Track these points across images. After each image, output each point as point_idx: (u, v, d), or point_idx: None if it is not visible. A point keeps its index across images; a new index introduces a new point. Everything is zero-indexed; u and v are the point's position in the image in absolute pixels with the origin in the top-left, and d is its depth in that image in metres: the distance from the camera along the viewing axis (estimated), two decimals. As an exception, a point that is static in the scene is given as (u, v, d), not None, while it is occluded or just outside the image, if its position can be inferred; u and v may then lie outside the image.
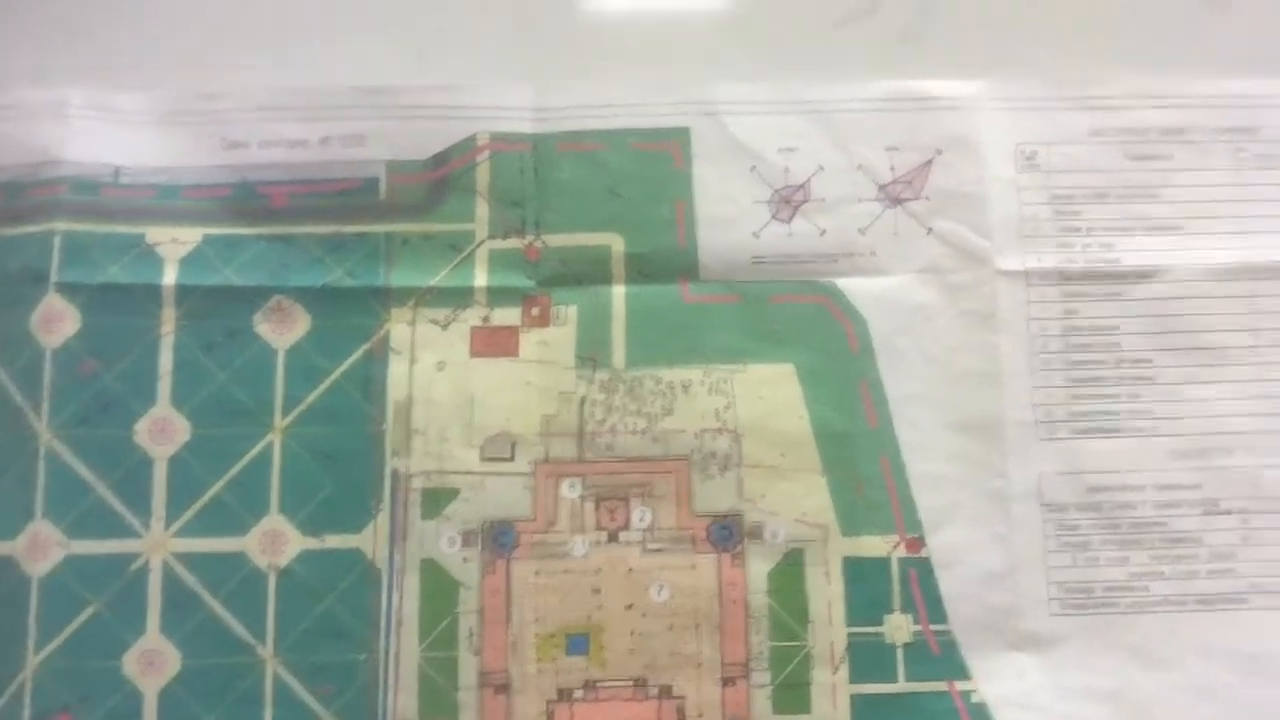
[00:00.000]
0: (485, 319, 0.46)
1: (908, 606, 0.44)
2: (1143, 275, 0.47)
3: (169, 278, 0.46)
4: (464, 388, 0.46)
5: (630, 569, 0.45)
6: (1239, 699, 0.44)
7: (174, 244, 0.46)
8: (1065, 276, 0.47)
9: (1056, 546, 0.45)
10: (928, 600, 0.44)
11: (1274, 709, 0.44)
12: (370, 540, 0.44)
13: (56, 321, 0.45)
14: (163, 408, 0.45)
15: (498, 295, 0.46)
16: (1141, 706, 0.44)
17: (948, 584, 0.44)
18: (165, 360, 0.45)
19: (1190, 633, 0.44)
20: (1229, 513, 0.45)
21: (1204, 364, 0.46)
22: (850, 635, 0.44)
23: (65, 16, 0.49)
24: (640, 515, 0.45)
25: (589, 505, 0.45)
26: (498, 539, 0.45)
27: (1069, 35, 0.49)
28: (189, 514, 0.44)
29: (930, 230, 0.47)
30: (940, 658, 0.44)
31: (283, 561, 0.44)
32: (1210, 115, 0.48)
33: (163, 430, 0.45)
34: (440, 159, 0.47)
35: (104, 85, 0.47)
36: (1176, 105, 0.48)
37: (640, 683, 0.44)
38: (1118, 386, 0.46)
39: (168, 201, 0.46)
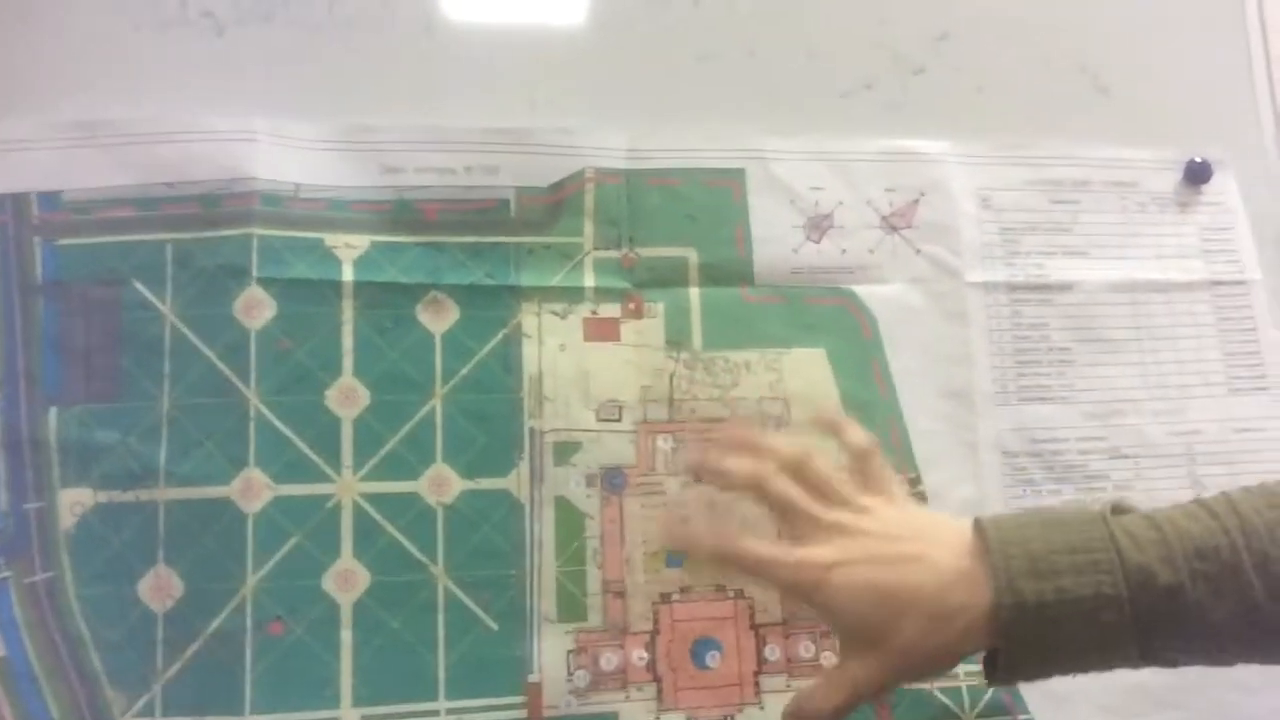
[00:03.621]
0: (594, 312, 0.59)
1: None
2: (1064, 287, 0.65)
3: (346, 275, 0.57)
4: (580, 365, 0.59)
5: (712, 503, 0.58)
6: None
7: (348, 248, 0.57)
8: (1012, 287, 0.64)
9: (1012, 483, 0.62)
10: (924, 522, 0.60)
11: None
12: (515, 482, 0.57)
13: (257, 309, 0.56)
14: (347, 378, 0.56)
15: (602, 294, 0.60)
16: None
17: (936, 509, 0.60)
18: (347, 341, 0.56)
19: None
20: (1126, 457, 0.63)
21: (1106, 351, 0.64)
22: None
23: (247, 54, 0.59)
24: (717, 462, 0.59)
25: (679, 454, 0.59)
26: (612, 480, 0.58)
27: (1008, 110, 0.67)
28: (372, 463, 0.56)
29: (919, 251, 0.63)
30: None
31: (448, 499, 0.56)
32: (1104, 172, 0.67)
33: (348, 397, 0.56)
34: (557, 186, 0.60)
35: (282, 115, 0.58)
36: (1081, 164, 0.67)
37: (720, 588, 0.58)
38: (1049, 367, 0.64)
39: (339, 213, 0.58)
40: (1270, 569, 0.41)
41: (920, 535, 0.45)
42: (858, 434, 0.49)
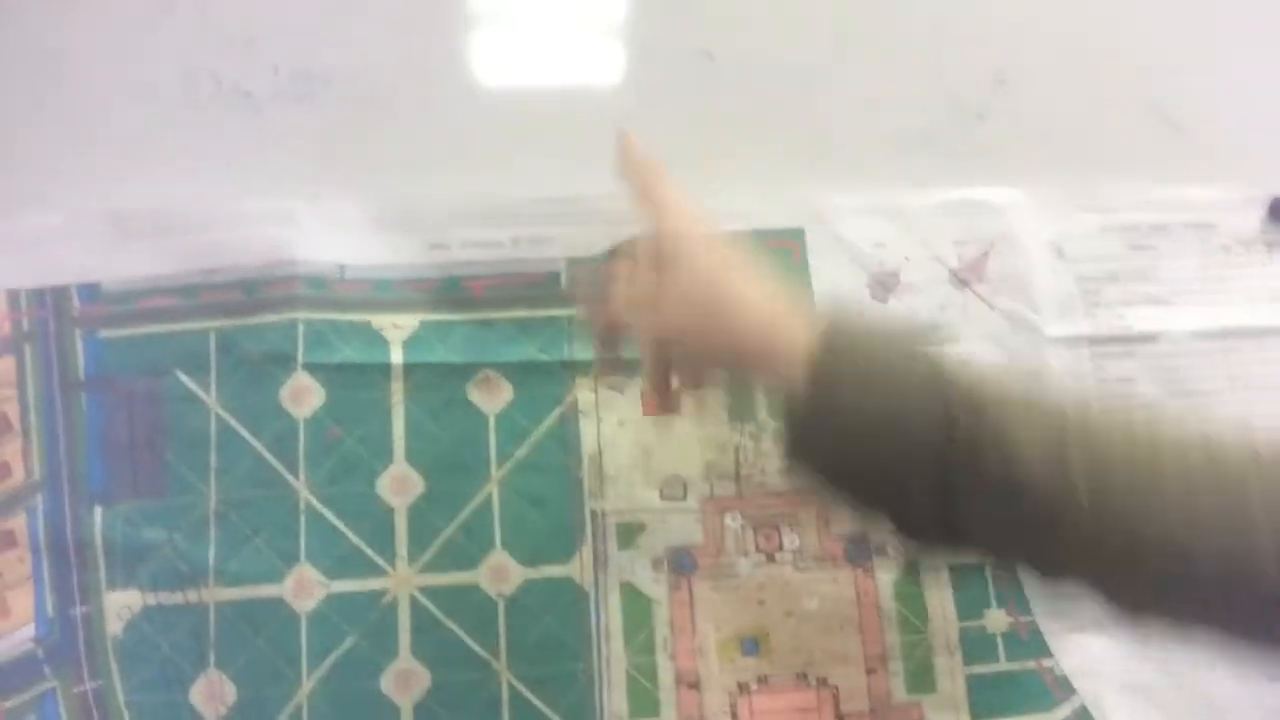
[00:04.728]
0: (653, 385, 0.57)
1: (1002, 602, 0.56)
2: (1148, 338, 0.61)
3: (396, 357, 0.55)
4: (641, 441, 0.56)
5: (787, 583, 0.55)
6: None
7: (395, 329, 0.55)
8: (1094, 340, 0.60)
9: (1107, 549, 0.58)
10: (1016, 597, 0.56)
11: None
12: (578, 568, 0.54)
13: (305, 395, 0.53)
14: (399, 465, 0.54)
15: (662, 365, 0.57)
16: (1182, 669, 0.56)
17: (1029, 584, 0.57)
18: (398, 425, 0.54)
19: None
20: (1228, 516, 0.59)
21: (1197, 404, 0.60)
22: (960, 627, 0.56)
23: (286, 132, 0.58)
24: (790, 539, 0.56)
25: (748, 532, 0.56)
26: (680, 563, 0.55)
27: (1077, 154, 0.64)
28: (428, 554, 0.53)
29: (992, 306, 0.60)
30: (1028, 641, 0.56)
31: (509, 590, 0.53)
32: (1182, 214, 0.63)
33: (401, 484, 0.53)
34: (610, 255, 0.58)
35: (324, 194, 0.56)
36: (1157, 208, 0.63)
37: (802, 676, 0.54)
38: (1139, 424, 0.60)
39: (386, 293, 0.56)
40: (1092, 441, 0.38)
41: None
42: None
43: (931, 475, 0.39)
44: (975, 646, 0.55)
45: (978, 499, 0.39)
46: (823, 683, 0.54)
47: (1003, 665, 0.55)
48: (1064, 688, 0.56)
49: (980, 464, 0.38)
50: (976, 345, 0.59)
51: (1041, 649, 0.56)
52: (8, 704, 0.50)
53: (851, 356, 0.40)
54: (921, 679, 0.55)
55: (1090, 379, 0.60)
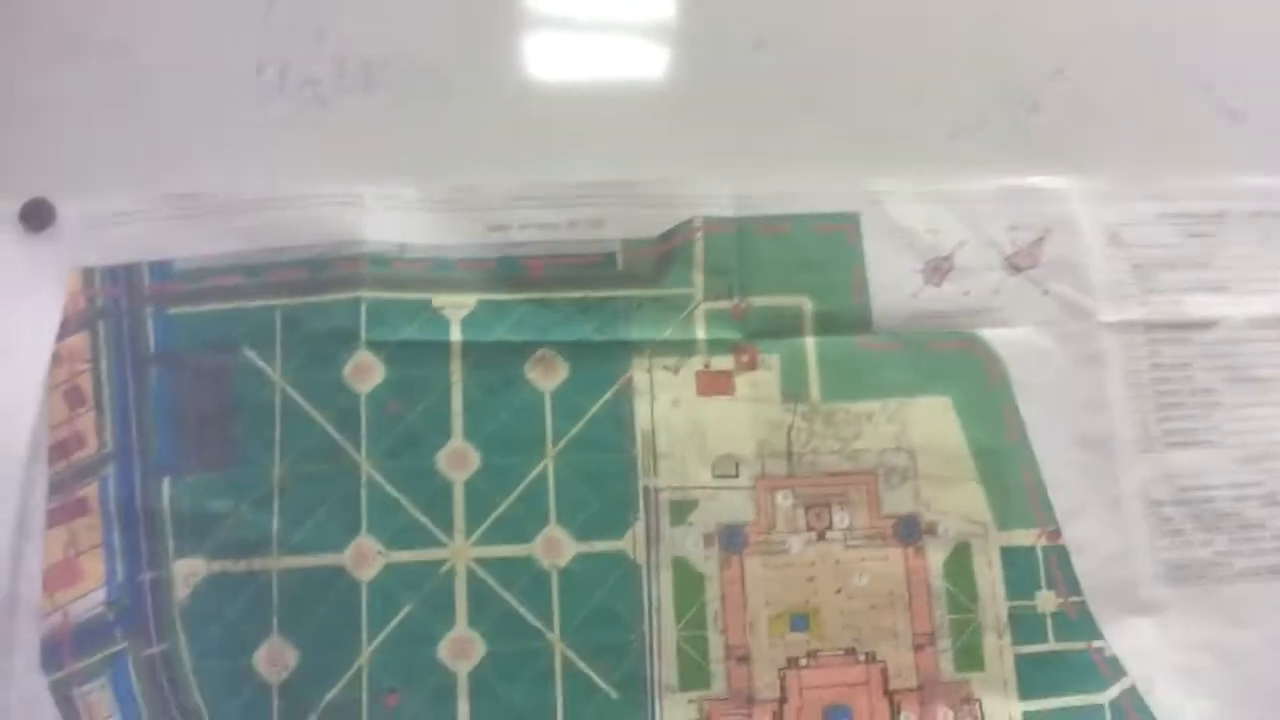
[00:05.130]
0: (706, 365, 0.57)
1: (1051, 583, 0.56)
2: (1205, 324, 0.61)
3: (455, 335, 0.56)
4: (695, 420, 0.56)
5: (837, 561, 0.56)
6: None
7: (455, 308, 0.56)
8: (1149, 326, 0.60)
9: (1159, 534, 0.58)
10: (1066, 578, 0.56)
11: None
12: (631, 543, 0.55)
13: (367, 372, 0.55)
14: (457, 441, 0.55)
15: (714, 346, 0.58)
16: (1232, 653, 0.56)
17: (1080, 565, 0.57)
18: (456, 402, 0.55)
19: (1265, 595, 0.57)
20: (1284, 503, 0.59)
21: (1257, 392, 0.60)
22: (1010, 608, 0.56)
23: (349, 121, 0.59)
24: (840, 518, 0.56)
25: (799, 511, 0.56)
26: (731, 539, 0.55)
27: (1133, 141, 0.63)
28: (484, 527, 0.54)
29: (1046, 292, 0.60)
30: (1078, 622, 0.56)
31: (562, 563, 0.54)
32: (1240, 203, 0.63)
33: (459, 459, 0.55)
34: (665, 237, 0.58)
35: (386, 179, 0.58)
36: (1215, 196, 0.63)
37: (851, 651, 0.55)
38: (1195, 410, 0.59)
39: (445, 272, 0.57)
40: None
41: None
42: None
43: None
44: (1024, 626, 0.56)
45: None
46: (871, 658, 0.55)
47: (1052, 645, 0.56)
48: (1114, 669, 0.56)
49: None
50: (1029, 330, 0.60)
51: (1092, 630, 0.56)
52: (82, 664, 0.52)
53: None
54: (970, 657, 0.55)
55: (1145, 364, 0.60)
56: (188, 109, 0.60)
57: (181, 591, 0.53)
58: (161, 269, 0.56)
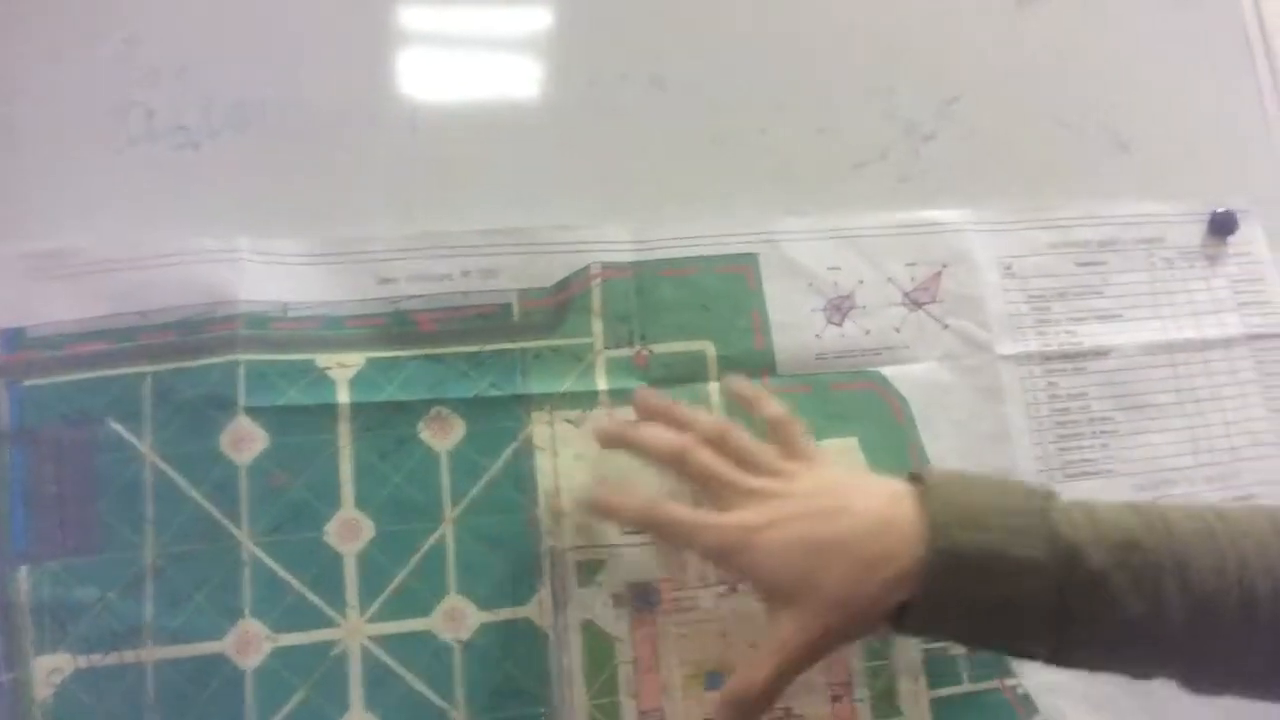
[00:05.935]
0: (609, 416, 0.55)
1: (964, 624, 0.56)
2: (1099, 353, 0.61)
3: (342, 397, 0.53)
4: (600, 474, 0.54)
5: (749, 614, 0.54)
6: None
7: (341, 368, 0.53)
8: (1045, 357, 0.61)
9: (1065, 566, 0.58)
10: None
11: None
12: (537, 610, 0.52)
13: (247, 441, 0.51)
14: (348, 510, 0.51)
15: (617, 395, 0.56)
16: (1139, 684, 0.57)
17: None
18: (345, 469, 0.52)
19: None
20: (1181, 530, 0.60)
21: (1150, 418, 0.61)
22: (924, 651, 0.55)
23: (224, 167, 0.55)
24: (752, 569, 0.55)
25: (709, 564, 0.54)
26: (643, 598, 0.53)
27: (1026, 172, 0.64)
28: (379, 601, 0.51)
29: (946, 326, 0.60)
30: (991, 661, 0.56)
31: (465, 635, 0.51)
32: (1129, 230, 0.64)
33: (350, 530, 0.51)
34: (561, 285, 0.56)
35: (265, 230, 0.54)
36: (1105, 223, 0.64)
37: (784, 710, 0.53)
38: (1093, 439, 0.60)
39: (332, 331, 0.54)
40: (1187, 574, 0.42)
41: (845, 491, 0.47)
42: (774, 405, 0.51)
43: (1043, 644, 0.44)
44: (939, 669, 0.55)
45: (1084, 654, 0.44)
46: (789, 713, 0.53)
47: (966, 686, 0.55)
48: (1027, 706, 0.55)
49: (1088, 631, 0.43)
50: (931, 366, 0.59)
51: (1004, 669, 0.56)
52: (-68, 781, 0.47)
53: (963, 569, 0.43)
54: (887, 704, 0.54)
55: (1043, 395, 0.60)
56: (43, 157, 0.55)
57: (44, 691, 0.48)
58: (13, 337, 0.51)
